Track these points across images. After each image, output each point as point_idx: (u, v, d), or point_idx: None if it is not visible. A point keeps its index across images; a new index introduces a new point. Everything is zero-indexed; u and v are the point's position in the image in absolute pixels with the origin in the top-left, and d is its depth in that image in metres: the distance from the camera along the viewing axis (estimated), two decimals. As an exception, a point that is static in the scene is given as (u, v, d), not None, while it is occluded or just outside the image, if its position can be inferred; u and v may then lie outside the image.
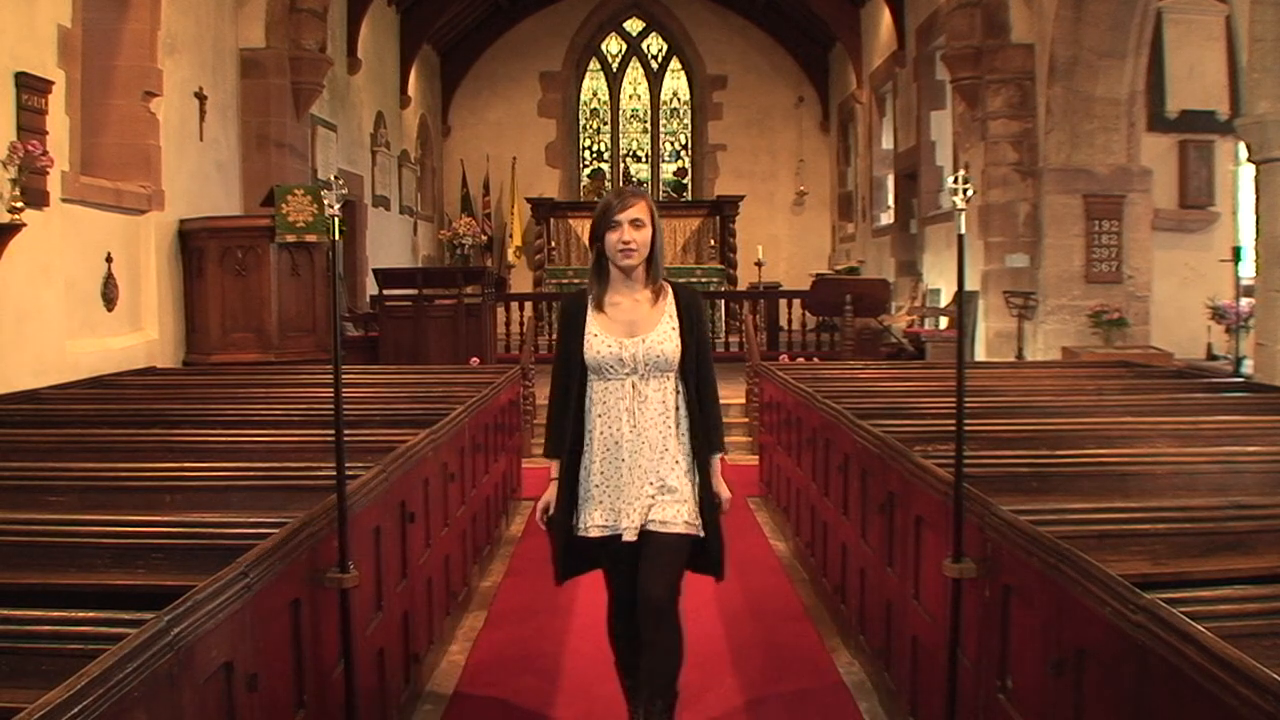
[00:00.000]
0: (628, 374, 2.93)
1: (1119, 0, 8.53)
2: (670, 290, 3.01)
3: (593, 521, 2.94)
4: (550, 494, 3.03)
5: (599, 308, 2.97)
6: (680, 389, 2.99)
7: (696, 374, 3.00)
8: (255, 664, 2.12)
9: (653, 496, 2.89)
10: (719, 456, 3.06)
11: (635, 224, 2.90)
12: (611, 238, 2.92)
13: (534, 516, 3.13)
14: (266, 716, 2.20)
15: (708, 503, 2.98)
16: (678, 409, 2.97)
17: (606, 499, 2.93)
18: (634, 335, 2.94)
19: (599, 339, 2.94)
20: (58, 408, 4.87)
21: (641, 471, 2.90)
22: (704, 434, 2.99)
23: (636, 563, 2.91)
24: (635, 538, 2.88)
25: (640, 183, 17.55)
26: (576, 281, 12.52)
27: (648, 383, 2.94)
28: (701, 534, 2.94)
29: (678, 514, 2.89)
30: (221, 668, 1.98)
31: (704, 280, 13.37)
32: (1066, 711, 2.13)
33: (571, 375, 2.98)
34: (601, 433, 2.94)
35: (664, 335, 2.94)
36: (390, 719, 3.24)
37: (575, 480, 2.98)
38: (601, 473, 2.94)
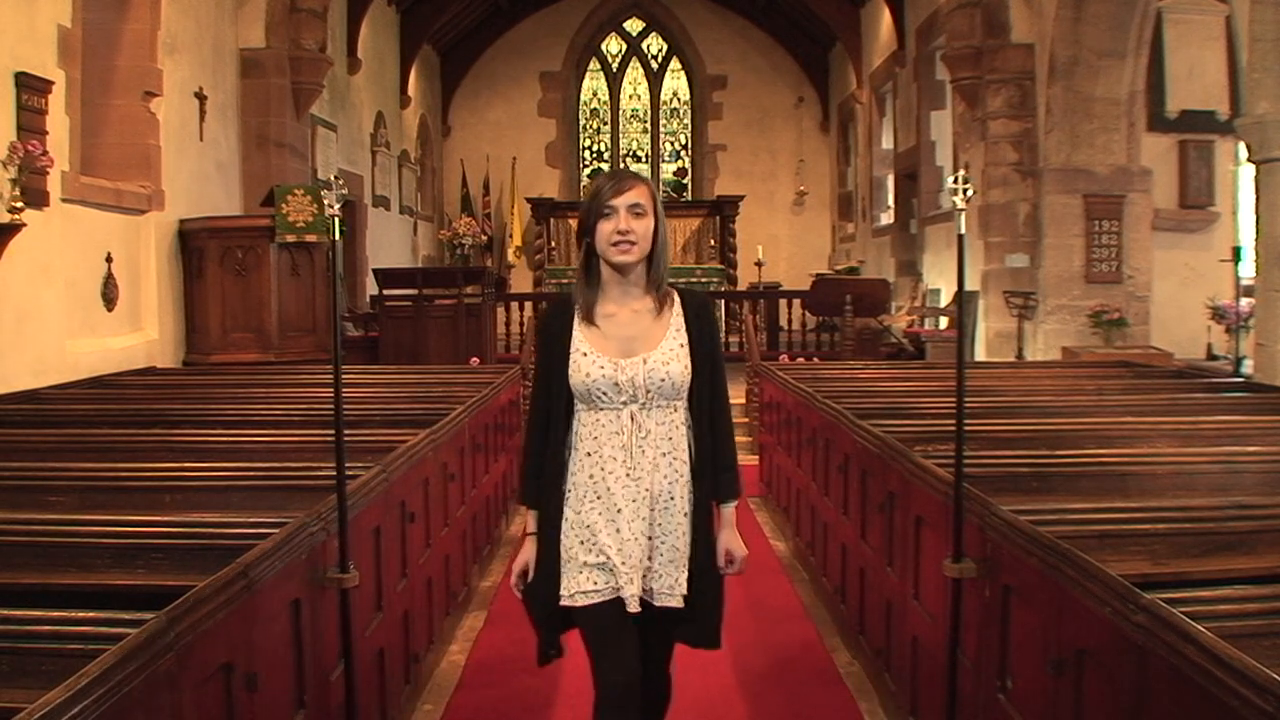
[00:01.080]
0: (625, 403, 2.35)
1: (1119, 0, 8.53)
2: (677, 298, 2.44)
3: (578, 587, 2.34)
4: (528, 553, 2.45)
5: (589, 320, 2.39)
6: (689, 420, 2.43)
7: (709, 400, 2.44)
8: (255, 664, 2.12)
9: (656, 561, 2.36)
10: (734, 505, 2.49)
11: (634, 210, 2.32)
12: (605, 228, 2.33)
13: (508, 581, 2.62)
14: (266, 716, 2.20)
15: (710, 562, 2.42)
16: (687, 446, 2.41)
17: (595, 558, 2.34)
18: (633, 355, 2.36)
19: (588, 359, 2.36)
20: (58, 408, 4.87)
21: (642, 524, 2.34)
22: (716, 476, 2.44)
23: (630, 634, 2.36)
24: (639, 609, 2.33)
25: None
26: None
27: (650, 414, 2.36)
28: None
29: (678, 582, 2.37)
30: (221, 668, 1.98)
31: (704, 280, 13.40)
32: (1066, 711, 2.13)
33: (554, 402, 2.40)
34: (591, 476, 2.36)
35: (670, 354, 2.37)
36: (390, 719, 3.24)
37: (557, 536, 2.39)
38: (589, 527, 2.34)
